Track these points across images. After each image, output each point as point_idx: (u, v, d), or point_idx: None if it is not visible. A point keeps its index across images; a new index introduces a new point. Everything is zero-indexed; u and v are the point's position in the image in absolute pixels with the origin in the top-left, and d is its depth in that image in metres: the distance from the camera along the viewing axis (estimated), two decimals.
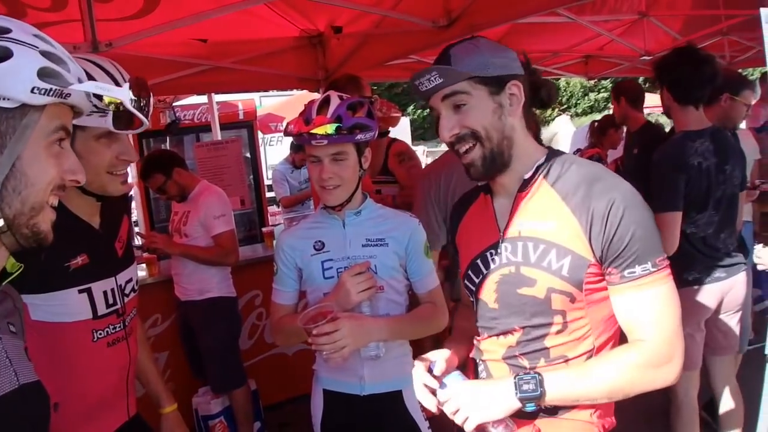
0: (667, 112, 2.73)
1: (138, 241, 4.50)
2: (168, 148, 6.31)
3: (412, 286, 1.90)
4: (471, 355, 1.50)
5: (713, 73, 2.48)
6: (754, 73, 10.99)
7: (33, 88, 0.85)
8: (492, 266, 1.36)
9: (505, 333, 1.35)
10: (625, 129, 4.52)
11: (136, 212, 6.12)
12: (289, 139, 5.14)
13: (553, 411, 1.30)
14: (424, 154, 14.93)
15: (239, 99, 6.68)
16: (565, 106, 23.70)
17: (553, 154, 1.35)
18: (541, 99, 1.37)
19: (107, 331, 1.47)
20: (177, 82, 3.76)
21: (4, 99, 0.84)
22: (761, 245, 2.71)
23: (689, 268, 2.52)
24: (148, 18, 2.98)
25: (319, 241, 1.82)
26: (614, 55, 5.66)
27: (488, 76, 1.26)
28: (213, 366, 3.39)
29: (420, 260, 1.85)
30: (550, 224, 1.27)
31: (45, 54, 0.88)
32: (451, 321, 1.82)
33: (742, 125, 4.18)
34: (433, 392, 1.31)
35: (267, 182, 8.54)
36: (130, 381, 1.57)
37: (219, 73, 3.87)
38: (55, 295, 1.36)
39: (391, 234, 1.81)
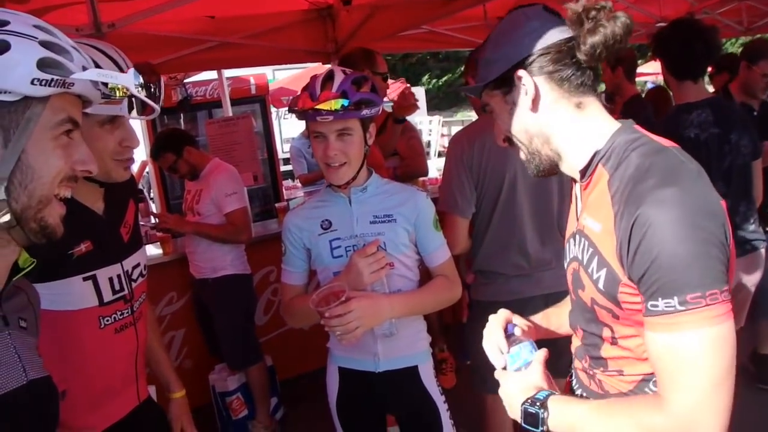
0: (666, 85, 2.67)
1: (153, 220, 4.52)
2: (182, 125, 6.32)
3: (423, 261, 1.87)
4: None
5: (707, 49, 2.40)
6: None
7: (33, 80, 0.84)
8: (569, 257, 1.23)
9: (575, 329, 1.27)
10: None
11: (153, 190, 6.15)
12: None
13: None
14: (440, 124, 14.83)
15: (251, 73, 6.60)
16: None
17: (620, 133, 1.09)
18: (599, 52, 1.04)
19: (114, 318, 1.46)
20: (185, 59, 3.74)
21: (4, 92, 0.83)
22: None
23: None
24: None
25: (326, 220, 1.80)
26: None
27: (494, 79, 1.15)
28: (229, 344, 3.42)
29: (430, 234, 1.82)
30: (598, 225, 1.07)
31: (45, 44, 0.87)
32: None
33: None
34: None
35: (283, 155, 8.51)
36: (140, 365, 1.57)
37: (227, 49, 3.84)
38: (59, 283, 1.35)
39: (398, 209, 1.78)
